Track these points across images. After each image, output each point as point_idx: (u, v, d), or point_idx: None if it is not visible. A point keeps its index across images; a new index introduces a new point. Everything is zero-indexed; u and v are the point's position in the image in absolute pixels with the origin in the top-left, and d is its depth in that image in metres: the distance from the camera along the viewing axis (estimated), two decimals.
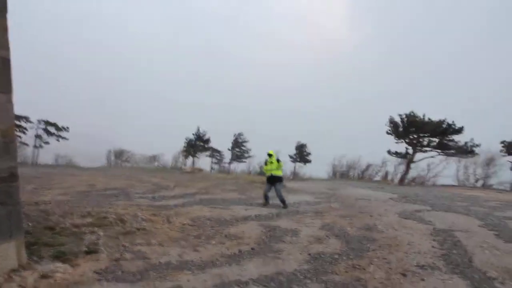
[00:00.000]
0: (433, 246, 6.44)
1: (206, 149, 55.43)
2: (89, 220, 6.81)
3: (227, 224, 7.69)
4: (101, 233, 6.04)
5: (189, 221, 7.58)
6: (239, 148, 59.68)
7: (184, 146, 53.56)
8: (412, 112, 31.44)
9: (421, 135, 31.12)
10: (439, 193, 18.23)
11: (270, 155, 11.44)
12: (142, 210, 8.31)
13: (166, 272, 4.67)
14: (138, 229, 6.43)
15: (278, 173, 11.42)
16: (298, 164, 54.33)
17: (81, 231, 6.05)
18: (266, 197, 11.25)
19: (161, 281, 4.36)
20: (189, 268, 4.88)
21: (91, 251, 5.19)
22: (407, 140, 31.88)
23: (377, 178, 39.78)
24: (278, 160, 11.48)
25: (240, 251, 5.76)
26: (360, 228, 7.82)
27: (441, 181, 33.76)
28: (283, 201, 10.89)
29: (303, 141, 55.13)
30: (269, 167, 11.35)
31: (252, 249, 5.93)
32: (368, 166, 43.59)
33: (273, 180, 11.23)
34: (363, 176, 43.37)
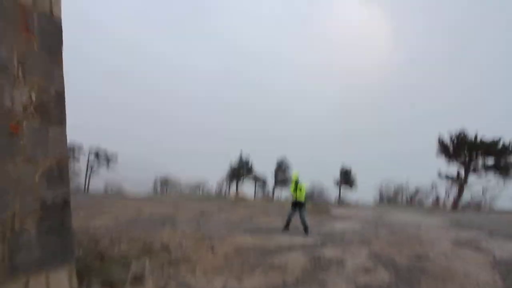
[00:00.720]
0: (494, 280, 5.99)
1: (249, 175, 55.68)
2: (136, 247, 6.97)
3: (271, 253, 7.60)
4: (147, 261, 6.15)
5: (232, 250, 7.58)
6: (282, 173, 59.47)
7: (228, 174, 54.21)
8: (463, 131, 30.05)
9: (474, 155, 29.57)
10: (497, 218, 17.10)
11: (296, 181, 11.33)
12: (187, 237, 8.41)
13: None
14: (183, 258, 6.50)
15: (302, 198, 11.37)
16: (343, 189, 53.25)
17: (128, 259, 6.19)
18: (288, 222, 11.28)
19: None
20: None
21: (138, 279, 5.29)
22: (458, 162, 30.37)
23: (427, 203, 37.98)
24: (298, 183, 11.34)
25: (284, 281, 5.67)
26: (410, 257, 7.47)
27: (499, 205, 31.62)
28: (306, 227, 10.80)
29: (347, 166, 54.05)
30: (294, 191, 11.31)
31: (297, 280, 5.81)
32: (417, 191, 41.79)
33: (298, 205, 11.23)
34: (412, 201, 41.63)
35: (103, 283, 5.00)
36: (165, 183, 56.35)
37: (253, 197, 53.10)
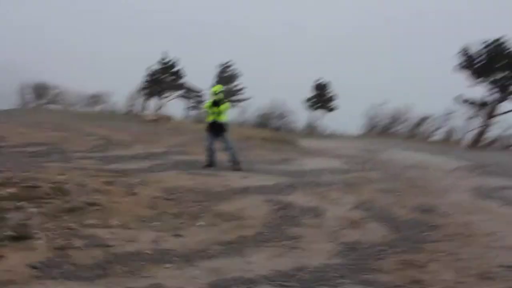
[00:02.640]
0: None
1: (177, 86, 55.22)
2: (11, 190, 6.91)
3: (219, 197, 7.91)
4: (34, 210, 6.19)
5: (162, 193, 7.79)
6: (227, 85, 59.38)
7: (145, 82, 53.30)
8: (499, 40, 30.84)
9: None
10: None
11: (216, 93, 12.09)
12: (90, 176, 8.49)
13: (138, 265, 4.88)
14: (89, 204, 6.62)
15: (223, 118, 12.07)
16: (316, 112, 54.48)
17: (1, 207, 6.15)
18: (211, 154, 11.99)
19: (132, 278, 4.57)
20: (170, 259, 5.10)
21: (22, 237, 5.30)
22: (488, 82, 31.54)
23: (437, 137, 39.89)
24: (221, 101, 12.08)
25: (240, 237, 5.98)
26: (414, 209, 8.06)
27: None
28: (236, 159, 11.74)
29: (324, 80, 54.93)
30: (210, 108, 12.08)
31: (259, 234, 6.16)
32: (424, 120, 43.60)
33: (217, 129, 11.92)
34: (415, 134, 43.68)
35: None
36: (41, 93, 54.69)
37: (182, 117, 53.11)
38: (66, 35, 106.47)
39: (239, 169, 11.47)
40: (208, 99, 12.52)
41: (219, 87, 12.50)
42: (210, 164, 11.85)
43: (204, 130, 12.67)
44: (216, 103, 11.98)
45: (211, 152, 11.96)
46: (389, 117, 51.67)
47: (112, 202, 6.89)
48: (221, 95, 12.12)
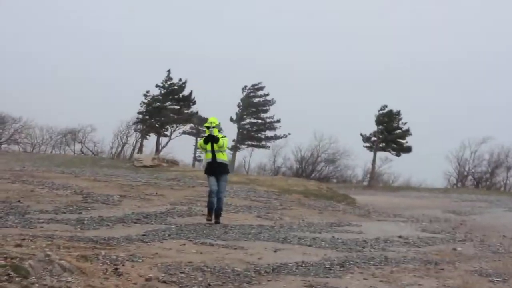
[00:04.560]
0: None
1: (185, 118, 55.54)
2: None
3: (238, 281, 7.78)
4: None
5: (159, 273, 7.71)
6: (255, 116, 59.65)
7: (141, 112, 53.66)
8: None
9: None
10: None
11: (208, 127, 13.15)
12: (59, 247, 8.48)
13: None
14: None
15: (223, 158, 13.36)
16: (382, 154, 54.28)
17: None
18: (212, 203, 13.21)
19: None
20: None
21: None
22: None
23: None
24: (215, 137, 13.11)
25: None
26: None
27: None
28: (220, 213, 13.09)
29: (393, 106, 54.97)
30: (206, 145, 13.13)
31: None
32: None
33: (216, 168, 13.11)
34: None
35: None
36: None
37: (192, 162, 53.28)
38: (36, 58, 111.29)
39: (218, 222, 12.87)
40: (203, 135, 12.97)
41: (214, 119, 13.27)
42: (219, 219, 12.93)
43: (204, 173, 13.64)
44: (211, 139, 12.92)
45: (212, 204, 13.03)
46: (489, 161, 50.95)
47: (89, 287, 6.86)
48: (217, 129, 13.10)
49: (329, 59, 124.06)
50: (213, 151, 13.03)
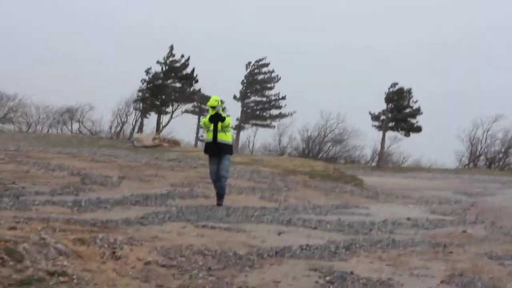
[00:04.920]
0: None
1: (187, 97, 55.37)
2: None
3: (241, 264, 7.78)
4: None
5: (158, 256, 7.71)
6: (260, 94, 59.42)
7: (142, 90, 53.43)
8: None
9: None
10: None
11: (213, 107, 13.23)
12: (55, 231, 8.48)
13: None
14: (52, 274, 6.58)
15: (227, 138, 13.37)
16: (391, 134, 54.18)
17: None
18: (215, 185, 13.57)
19: None
20: None
21: None
22: None
23: None
24: (221, 116, 13.25)
25: None
26: None
27: None
28: (222, 193, 13.27)
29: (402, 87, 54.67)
30: (209, 125, 13.19)
31: None
32: None
33: (216, 149, 13.20)
34: None
35: None
36: None
37: (195, 144, 53.23)
38: (34, 33, 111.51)
39: (220, 204, 13.05)
40: (205, 115, 12.96)
41: (217, 98, 13.38)
42: (221, 201, 13.07)
43: (204, 153, 13.97)
44: (216, 118, 12.99)
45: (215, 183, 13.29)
46: (503, 141, 50.84)
47: (86, 271, 6.84)
48: (220, 108, 13.30)
49: (336, 37, 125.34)
50: (215, 131, 13.03)
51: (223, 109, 13.38)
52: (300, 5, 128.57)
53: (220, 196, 13.19)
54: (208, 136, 13.31)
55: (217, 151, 13.15)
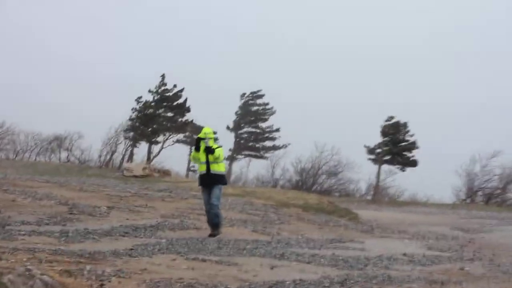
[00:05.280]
0: None
1: (179, 127, 55.46)
2: None
3: None
4: None
5: None
6: (254, 125, 59.59)
7: (132, 119, 53.55)
8: None
9: None
10: None
11: (201, 138, 13.50)
12: (41, 261, 8.43)
13: None
14: None
15: (219, 168, 13.60)
16: (387, 167, 54.28)
17: None
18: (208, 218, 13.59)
19: None
20: None
21: None
22: None
23: None
24: (211, 149, 13.39)
25: None
26: None
27: None
28: (216, 222, 13.31)
29: (398, 116, 54.86)
30: (201, 156, 13.39)
31: None
32: None
33: (209, 180, 13.40)
34: None
35: None
36: None
37: (186, 173, 53.18)
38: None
39: (216, 234, 13.14)
40: (196, 145, 13.61)
41: (207, 130, 13.66)
42: (216, 231, 13.10)
43: (198, 185, 13.96)
44: (208, 150, 13.18)
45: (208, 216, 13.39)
46: (501, 177, 50.92)
47: None
48: (209, 140, 13.38)
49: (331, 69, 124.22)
50: (207, 163, 13.22)
51: (215, 140, 13.43)
52: (294, 38, 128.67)
53: (213, 226, 13.26)
54: (201, 169, 13.47)
55: (210, 181, 13.29)
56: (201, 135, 13.50)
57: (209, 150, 13.15)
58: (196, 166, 14.24)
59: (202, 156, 13.31)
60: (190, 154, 13.46)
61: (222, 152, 13.68)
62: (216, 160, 13.31)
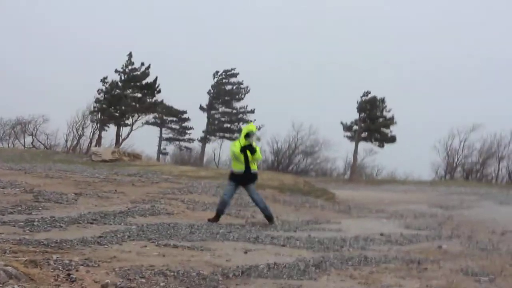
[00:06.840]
0: None
1: (149, 107, 55.10)
2: None
3: (205, 286, 7.73)
4: None
5: (117, 278, 7.66)
6: (227, 105, 59.37)
7: (99, 101, 53.10)
8: None
9: None
10: None
11: (247, 135, 13.58)
12: (4, 252, 8.40)
13: None
14: None
15: (255, 168, 13.85)
16: (364, 145, 54.43)
17: None
18: (223, 206, 13.92)
19: None
20: None
21: None
22: None
23: None
24: (253, 149, 13.55)
25: None
26: None
27: None
28: (269, 213, 13.83)
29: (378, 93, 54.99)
30: (240, 155, 13.52)
31: None
32: None
33: (246, 179, 13.68)
34: None
35: None
36: None
37: (158, 157, 53.05)
38: None
39: (272, 222, 13.76)
40: (237, 141, 13.85)
41: (255, 128, 13.94)
42: (217, 218, 13.45)
43: (229, 178, 14.17)
44: (249, 149, 13.33)
45: (225, 206, 13.76)
46: (480, 151, 51.24)
47: None
48: (255, 138, 13.61)
49: (311, 47, 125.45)
50: (247, 161, 13.36)
51: (258, 139, 13.58)
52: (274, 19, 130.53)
53: (268, 218, 13.87)
54: (239, 167, 13.53)
55: (248, 181, 13.59)
56: (246, 130, 13.59)
57: (252, 150, 13.27)
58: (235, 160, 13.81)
59: (240, 154, 13.38)
60: (230, 149, 13.07)
61: (260, 153, 13.97)
62: (255, 160, 13.53)
